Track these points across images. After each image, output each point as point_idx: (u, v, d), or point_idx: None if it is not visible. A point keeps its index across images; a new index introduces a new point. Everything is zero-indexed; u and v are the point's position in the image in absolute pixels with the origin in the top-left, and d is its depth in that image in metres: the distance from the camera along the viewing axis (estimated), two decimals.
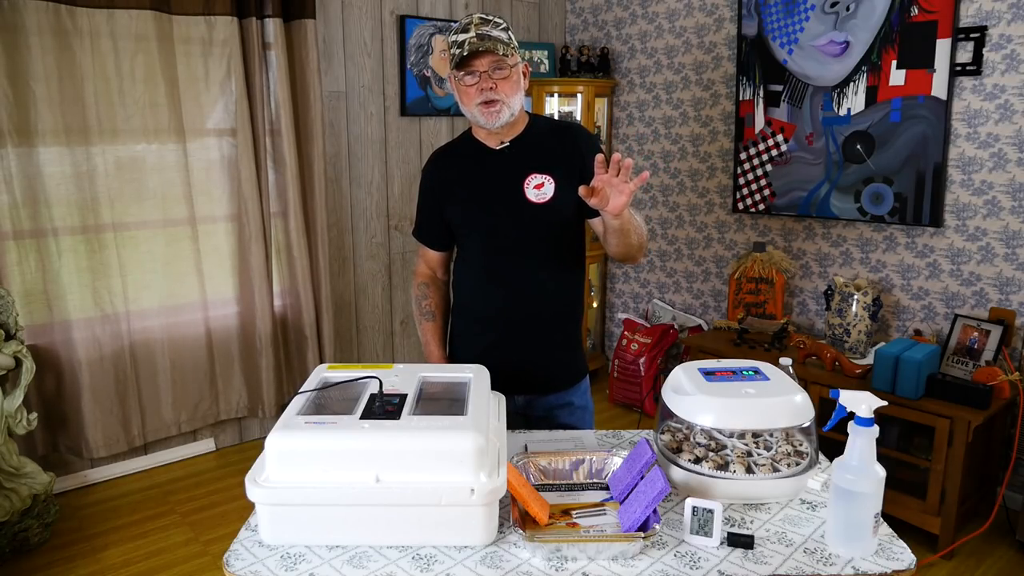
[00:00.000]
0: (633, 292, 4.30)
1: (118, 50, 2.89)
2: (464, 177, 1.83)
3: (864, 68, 3.07)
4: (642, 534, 1.21)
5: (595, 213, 1.76)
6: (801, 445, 1.44)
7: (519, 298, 1.81)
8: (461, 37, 1.66)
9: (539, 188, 1.76)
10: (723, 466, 1.38)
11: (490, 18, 1.69)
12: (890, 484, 1.57)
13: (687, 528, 1.26)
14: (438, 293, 1.97)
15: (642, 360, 3.83)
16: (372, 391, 1.38)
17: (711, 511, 1.24)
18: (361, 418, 1.27)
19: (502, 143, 1.79)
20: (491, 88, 1.67)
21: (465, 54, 1.63)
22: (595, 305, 4.43)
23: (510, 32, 1.71)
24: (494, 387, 1.68)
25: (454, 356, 1.94)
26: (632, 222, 1.68)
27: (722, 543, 1.25)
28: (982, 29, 2.75)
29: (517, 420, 1.87)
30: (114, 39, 2.87)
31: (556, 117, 4.05)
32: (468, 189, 1.82)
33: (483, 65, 1.66)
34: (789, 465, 1.38)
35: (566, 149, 1.79)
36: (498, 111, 1.69)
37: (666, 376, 1.52)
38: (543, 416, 1.89)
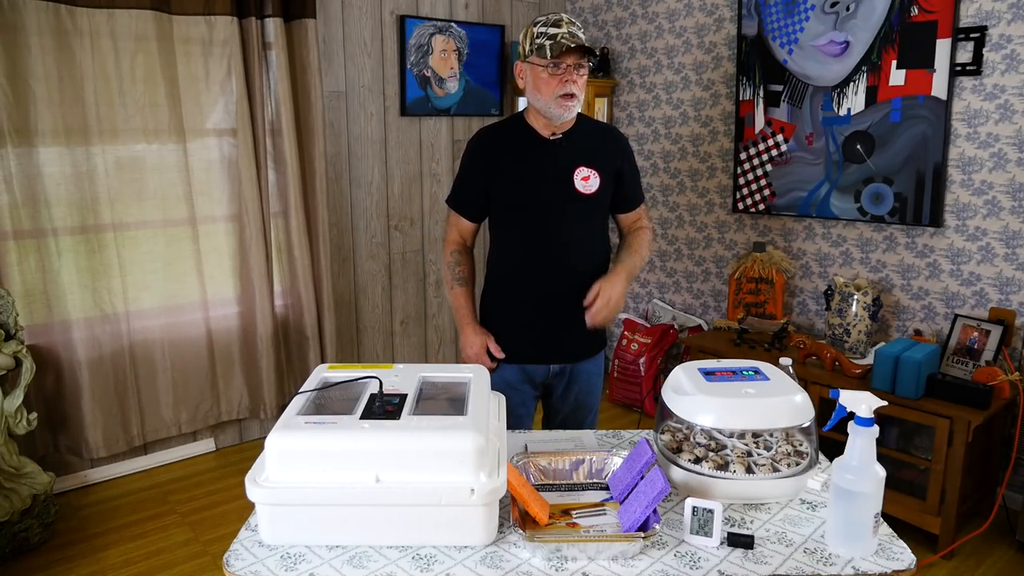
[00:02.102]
0: (633, 292, 4.30)
1: (118, 50, 2.89)
2: (516, 160, 1.95)
3: (864, 68, 3.07)
4: (642, 534, 1.22)
5: (624, 209, 2.09)
6: (801, 445, 1.44)
7: (558, 277, 1.98)
8: (553, 31, 1.81)
9: (586, 180, 1.94)
10: (723, 466, 1.38)
11: (574, 20, 1.86)
12: (890, 484, 1.57)
13: (687, 528, 1.26)
14: (468, 260, 2.12)
15: (642, 360, 3.83)
16: (372, 391, 1.38)
17: (711, 511, 1.24)
18: (361, 418, 1.27)
19: (554, 134, 1.94)
20: (574, 82, 1.83)
21: (572, 45, 1.77)
22: None
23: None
24: (530, 357, 2.03)
25: (490, 329, 2.07)
26: (634, 272, 2.02)
27: (722, 543, 1.25)
28: (982, 29, 2.75)
29: (538, 389, 2.09)
30: (114, 39, 2.87)
31: None
32: (520, 172, 1.95)
33: (570, 60, 1.82)
34: (789, 465, 1.38)
35: (609, 150, 2.00)
36: (573, 105, 1.86)
37: (666, 376, 1.52)
38: (567, 383, 2.08)
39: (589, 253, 2.01)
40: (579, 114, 1.98)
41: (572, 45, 1.78)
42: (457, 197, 2.07)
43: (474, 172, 2.02)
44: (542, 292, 1.99)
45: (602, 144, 2.00)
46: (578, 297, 1.98)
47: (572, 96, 1.84)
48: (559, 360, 2.05)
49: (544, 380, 2.07)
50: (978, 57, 2.77)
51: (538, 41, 1.82)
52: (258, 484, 1.21)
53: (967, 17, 2.78)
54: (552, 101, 1.85)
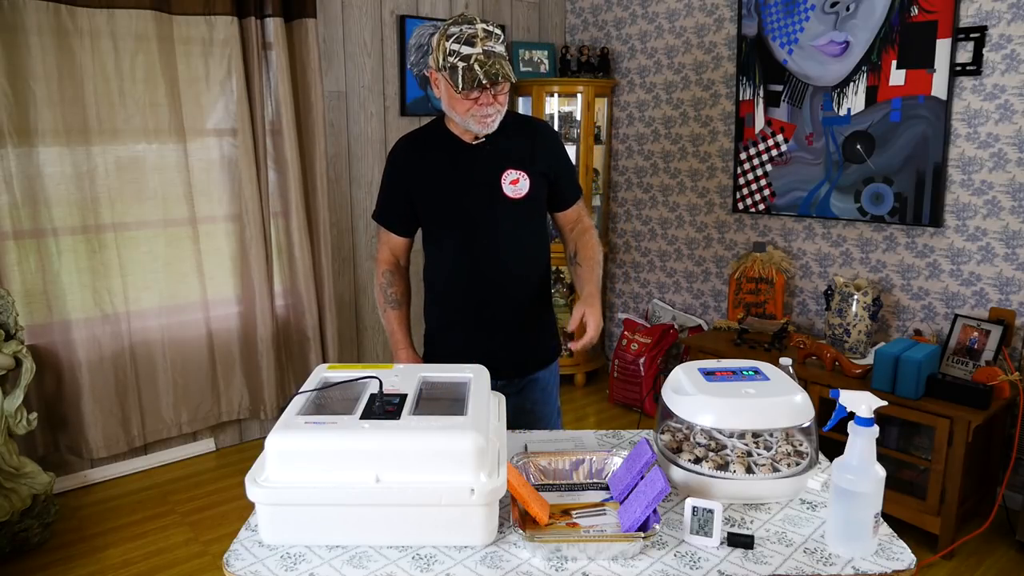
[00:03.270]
0: (633, 292, 4.30)
1: (118, 50, 2.89)
2: (438, 169, 1.84)
3: (864, 68, 3.07)
4: (642, 534, 1.21)
5: (561, 207, 1.97)
6: (801, 445, 1.44)
7: (496, 288, 1.86)
8: (467, 51, 1.65)
9: (515, 184, 1.82)
10: (723, 466, 1.38)
11: (492, 30, 1.69)
12: (890, 484, 1.57)
13: (687, 528, 1.26)
14: (402, 281, 2.00)
15: (642, 360, 3.83)
16: (372, 391, 1.38)
17: (711, 511, 1.24)
18: (361, 418, 1.27)
19: (477, 138, 1.81)
20: (490, 104, 1.71)
21: (483, 81, 1.64)
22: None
23: (504, 42, 1.73)
24: None
25: (434, 349, 1.98)
26: (600, 286, 1.90)
27: (722, 543, 1.25)
28: (982, 29, 2.75)
29: None
30: (114, 39, 2.87)
31: (545, 116, 4.04)
32: (444, 182, 1.84)
33: (491, 84, 1.68)
34: (789, 465, 1.38)
35: (537, 149, 1.86)
36: (493, 120, 1.74)
37: (666, 376, 1.52)
38: (516, 393, 1.94)
39: (527, 260, 1.89)
40: None
41: (484, 82, 1.63)
42: (382, 212, 1.95)
43: (395, 185, 1.90)
44: (480, 306, 1.88)
45: (529, 142, 1.85)
46: (519, 307, 1.89)
47: (490, 115, 1.72)
48: (504, 375, 1.87)
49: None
50: (978, 57, 2.77)
51: (450, 60, 1.66)
52: (258, 484, 1.21)
53: (967, 17, 2.78)
54: (468, 118, 1.72)
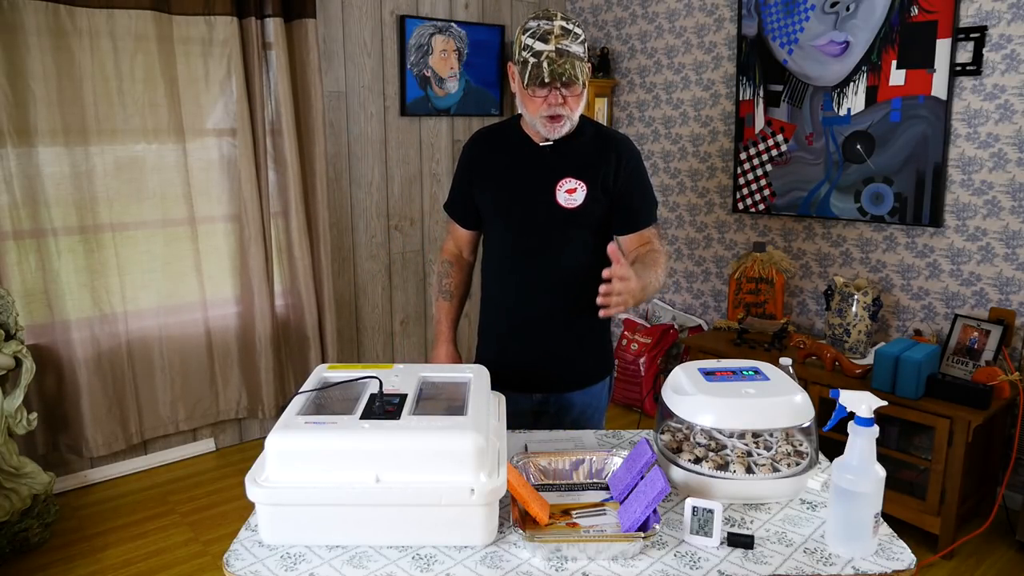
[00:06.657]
0: None
1: (118, 50, 2.89)
2: (500, 166, 1.81)
3: (864, 68, 3.07)
4: (642, 534, 1.21)
5: (625, 230, 1.81)
6: (801, 445, 1.44)
7: (538, 295, 1.81)
8: (539, 47, 1.59)
9: (571, 193, 1.74)
10: (723, 466, 1.38)
11: (571, 28, 1.61)
12: (890, 484, 1.57)
13: (687, 528, 1.26)
14: (461, 273, 1.97)
15: (642, 360, 3.83)
16: (372, 391, 1.38)
17: (711, 511, 1.24)
18: (361, 418, 1.27)
19: (546, 141, 1.76)
20: (561, 104, 1.64)
21: (546, 79, 1.58)
22: None
23: (586, 44, 1.66)
24: (510, 383, 1.76)
25: (479, 348, 1.96)
26: (648, 289, 1.61)
27: (722, 543, 1.25)
28: (982, 29, 2.75)
29: (525, 419, 1.86)
30: (114, 39, 2.87)
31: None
32: (502, 180, 1.81)
33: (557, 82, 1.61)
34: (789, 465, 1.38)
35: (608, 162, 1.76)
36: (562, 125, 1.67)
37: (666, 376, 1.52)
38: (555, 413, 1.89)
39: (573, 275, 1.79)
40: (583, 118, 1.77)
41: (547, 80, 1.58)
42: (451, 202, 1.94)
43: (461, 177, 1.89)
44: (519, 313, 1.83)
45: (601, 154, 1.76)
46: (556, 319, 1.82)
47: (559, 118, 1.65)
48: (541, 390, 1.84)
49: (531, 409, 1.87)
50: (978, 57, 2.77)
51: (523, 55, 1.61)
52: (258, 484, 1.21)
53: (967, 17, 2.78)
54: (537, 119, 1.67)
